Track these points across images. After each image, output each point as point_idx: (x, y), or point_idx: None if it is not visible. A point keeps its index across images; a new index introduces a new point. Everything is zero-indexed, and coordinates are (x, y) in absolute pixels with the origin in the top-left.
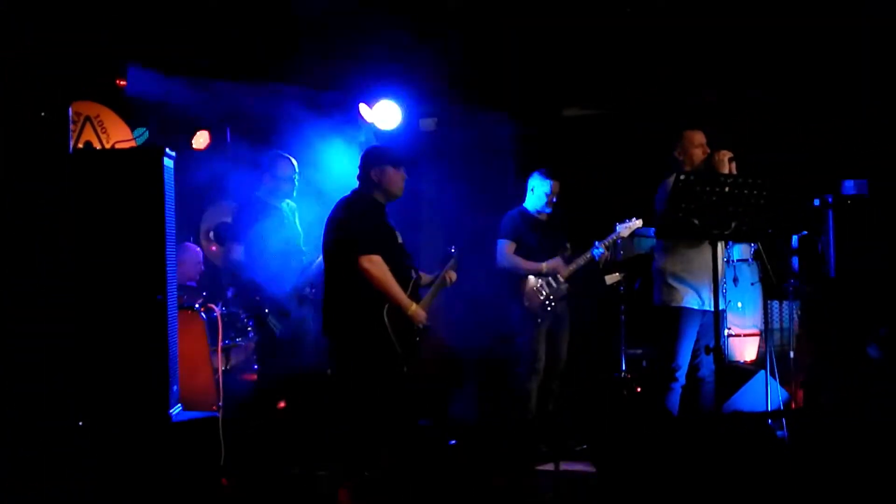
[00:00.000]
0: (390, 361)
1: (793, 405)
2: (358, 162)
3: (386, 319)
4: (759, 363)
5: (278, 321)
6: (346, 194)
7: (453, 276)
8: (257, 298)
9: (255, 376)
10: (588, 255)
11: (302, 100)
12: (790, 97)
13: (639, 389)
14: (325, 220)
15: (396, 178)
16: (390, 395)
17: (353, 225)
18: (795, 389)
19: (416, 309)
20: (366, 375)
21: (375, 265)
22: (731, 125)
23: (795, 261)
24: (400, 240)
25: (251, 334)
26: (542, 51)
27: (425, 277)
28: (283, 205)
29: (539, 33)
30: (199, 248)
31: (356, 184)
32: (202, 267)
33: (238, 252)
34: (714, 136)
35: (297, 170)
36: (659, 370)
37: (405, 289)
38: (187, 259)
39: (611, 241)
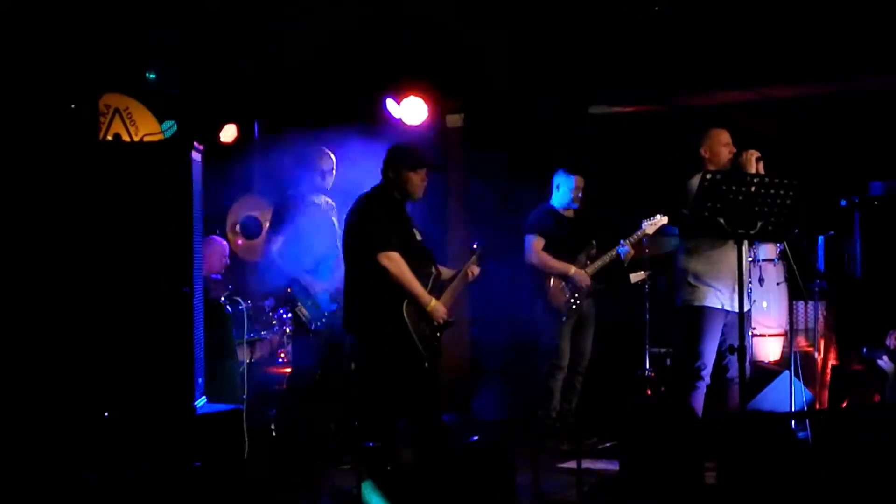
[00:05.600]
0: (412, 357)
1: (816, 406)
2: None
3: (405, 316)
4: (783, 363)
5: (310, 314)
6: (365, 191)
7: (476, 270)
8: (290, 290)
9: (279, 369)
10: (613, 253)
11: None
12: (818, 96)
13: (663, 388)
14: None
15: (415, 180)
16: (413, 391)
17: (370, 222)
18: (819, 390)
19: (435, 305)
20: (388, 371)
21: (394, 262)
22: (758, 124)
23: (821, 261)
24: (419, 236)
25: (275, 328)
26: (569, 48)
27: (446, 272)
28: (321, 200)
29: (566, 31)
30: (224, 241)
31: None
32: (227, 260)
33: (278, 243)
34: (741, 135)
35: (335, 164)
36: (683, 370)
37: (425, 285)
38: (212, 252)
39: (636, 238)
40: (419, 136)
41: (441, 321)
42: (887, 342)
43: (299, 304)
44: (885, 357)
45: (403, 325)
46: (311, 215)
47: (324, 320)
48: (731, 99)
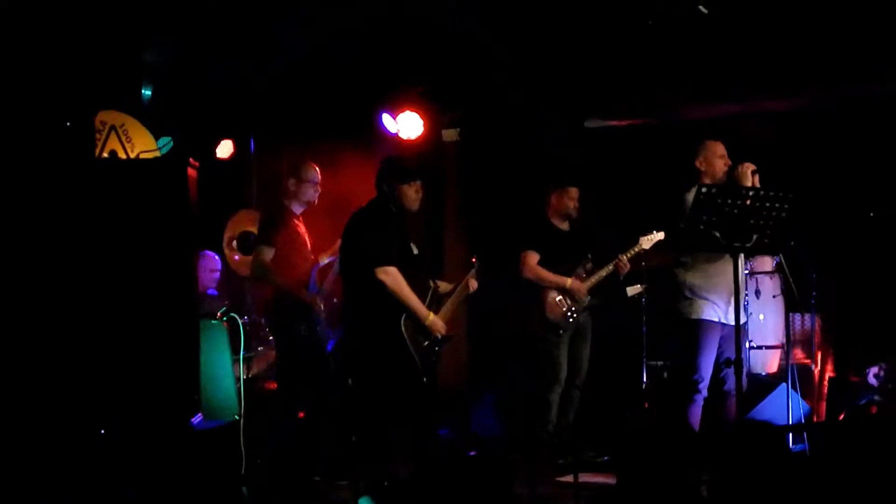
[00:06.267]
0: (410, 372)
1: (814, 418)
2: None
3: (403, 330)
4: (781, 375)
5: (306, 327)
6: (362, 206)
7: (474, 283)
8: (288, 304)
9: (276, 384)
10: (610, 267)
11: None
12: (813, 107)
13: (660, 401)
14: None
15: (409, 193)
16: (410, 406)
17: (366, 237)
18: (817, 402)
19: (433, 319)
20: (386, 386)
21: (391, 276)
22: (753, 137)
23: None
24: (416, 251)
25: (272, 342)
26: (565, 62)
27: (444, 286)
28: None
29: (562, 45)
30: (217, 256)
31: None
32: (217, 275)
33: (268, 255)
34: (736, 148)
35: (319, 176)
36: (681, 383)
37: (423, 299)
38: (202, 266)
39: (633, 253)
40: (415, 150)
41: (439, 335)
42: (869, 380)
43: (303, 325)
44: (875, 396)
45: (401, 339)
46: (295, 227)
47: (318, 333)
48: (726, 111)
